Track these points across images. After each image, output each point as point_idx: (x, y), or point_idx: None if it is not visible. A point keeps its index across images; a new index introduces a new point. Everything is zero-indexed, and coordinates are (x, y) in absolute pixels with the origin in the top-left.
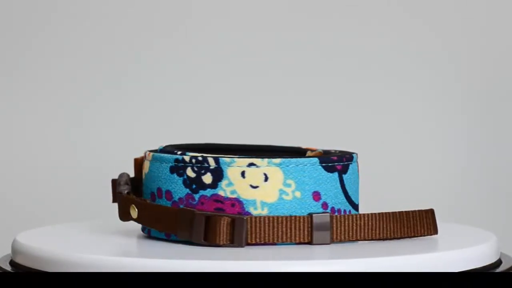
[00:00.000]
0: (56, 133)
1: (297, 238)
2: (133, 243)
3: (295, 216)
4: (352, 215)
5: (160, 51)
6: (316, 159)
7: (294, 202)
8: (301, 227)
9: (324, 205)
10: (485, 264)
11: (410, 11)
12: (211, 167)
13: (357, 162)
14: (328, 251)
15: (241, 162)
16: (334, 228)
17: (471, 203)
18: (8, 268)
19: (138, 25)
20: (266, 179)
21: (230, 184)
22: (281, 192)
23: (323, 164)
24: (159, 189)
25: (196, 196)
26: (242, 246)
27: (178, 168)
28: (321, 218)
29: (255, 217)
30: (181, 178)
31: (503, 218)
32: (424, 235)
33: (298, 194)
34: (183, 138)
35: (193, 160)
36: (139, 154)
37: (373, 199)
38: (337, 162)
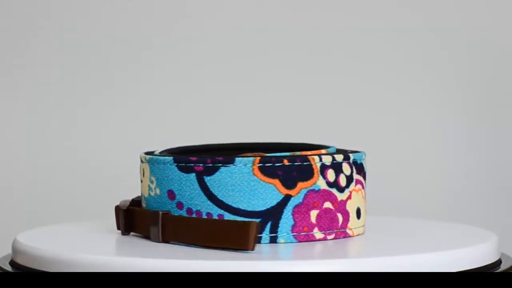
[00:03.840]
0: (56, 133)
1: (144, 232)
2: (133, 243)
3: (145, 211)
4: (177, 216)
5: (158, 51)
6: (170, 158)
7: (156, 198)
8: (145, 223)
9: (179, 205)
10: (485, 264)
11: (410, 11)
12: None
13: (253, 165)
14: (145, 247)
15: (141, 157)
16: (161, 228)
17: (471, 203)
18: (8, 268)
19: (137, 25)
20: (143, 174)
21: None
22: (149, 188)
23: (178, 164)
24: None
25: None
26: (123, 234)
27: None
28: (153, 216)
29: (127, 209)
30: None
31: (503, 218)
32: (236, 249)
33: (158, 191)
34: (185, 138)
35: None
36: (139, 154)
37: (372, 199)
38: (197, 163)
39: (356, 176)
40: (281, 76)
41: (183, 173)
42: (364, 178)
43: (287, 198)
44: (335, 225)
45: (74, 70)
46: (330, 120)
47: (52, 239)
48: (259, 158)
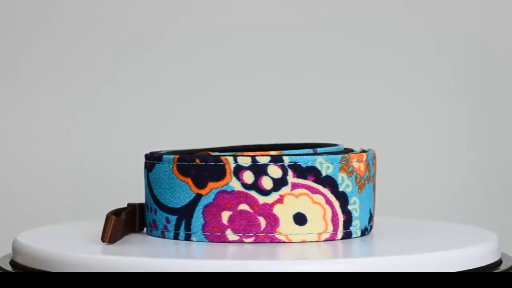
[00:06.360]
0: (56, 133)
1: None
2: (133, 243)
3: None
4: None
5: (160, 50)
6: (144, 155)
7: None
8: None
9: (145, 199)
10: (485, 264)
11: (410, 11)
12: None
13: (173, 164)
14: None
15: None
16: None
17: (471, 203)
18: (8, 268)
19: (138, 24)
20: None
21: None
22: None
23: (145, 161)
24: None
25: None
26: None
27: None
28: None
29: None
30: None
31: (503, 218)
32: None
33: None
34: (186, 138)
35: None
36: (139, 154)
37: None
38: (147, 159)
39: (294, 180)
40: (281, 76)
41: (145, 169)
42: (323, 182)
43: (198, 197)
44: (254, 229)
45: (74, 70)
46: (329, 120)
47: (52, 239)
48: (177, 156)
